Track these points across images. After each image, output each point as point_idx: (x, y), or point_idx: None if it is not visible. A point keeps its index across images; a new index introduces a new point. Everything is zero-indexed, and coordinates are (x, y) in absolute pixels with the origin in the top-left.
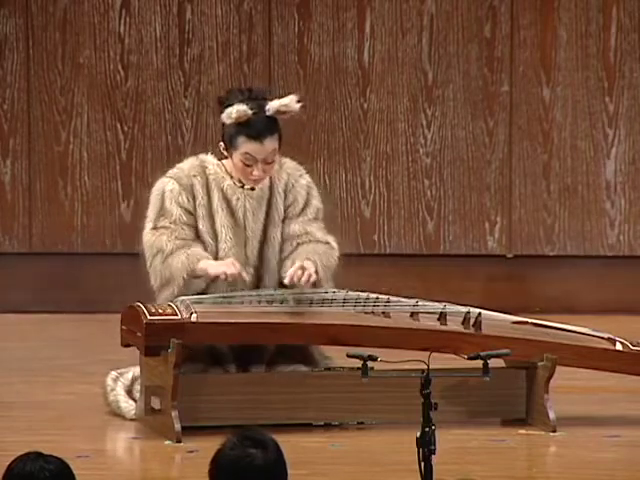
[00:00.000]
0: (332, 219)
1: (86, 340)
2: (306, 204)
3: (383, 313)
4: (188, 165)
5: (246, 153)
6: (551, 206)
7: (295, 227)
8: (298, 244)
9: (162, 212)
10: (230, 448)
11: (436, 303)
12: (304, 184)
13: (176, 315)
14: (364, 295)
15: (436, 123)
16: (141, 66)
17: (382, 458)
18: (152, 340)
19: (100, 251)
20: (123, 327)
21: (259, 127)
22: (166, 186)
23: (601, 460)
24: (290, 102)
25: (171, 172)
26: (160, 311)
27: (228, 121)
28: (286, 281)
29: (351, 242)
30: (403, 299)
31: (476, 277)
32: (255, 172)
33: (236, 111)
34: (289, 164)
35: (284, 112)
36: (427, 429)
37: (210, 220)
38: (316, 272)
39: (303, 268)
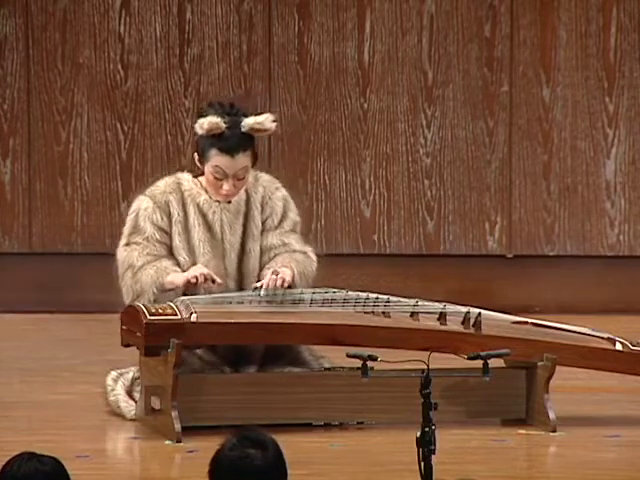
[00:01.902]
0: (332, 219)
1: (86, 340)
2: (283, 217)
3: (383, 313)
4: (164, 183)
5: (216, 166)
6: (551, 206)
7: (273, 239)
8: (276, 254)
9: (135, 229)
10: (229, 448)
11: (436, 303)
12: (280, 196)
13: (176, 315)
14: (364, 295)
15: (436, 123)
16: (141, 66)
17: (382, 458)
18: (152, 340)
19: (100, 251)
20: (123, 327)
21: (232, 142)
22: (141, 204)
23: (601, 460)
24: (265, 120)
25: (147, 190)
26: (160, 311)
27: (200, 131)
28: (262, 292)
29: (351, 242)
30: (403, 299)
31: (476, 277)
32: (225, 186)
33: (208, 122)
34: (265, 177)
35: (258, 130)
36: (427, 429)
37: (187, 235)
38: (292, 278)
39: (276, 273)
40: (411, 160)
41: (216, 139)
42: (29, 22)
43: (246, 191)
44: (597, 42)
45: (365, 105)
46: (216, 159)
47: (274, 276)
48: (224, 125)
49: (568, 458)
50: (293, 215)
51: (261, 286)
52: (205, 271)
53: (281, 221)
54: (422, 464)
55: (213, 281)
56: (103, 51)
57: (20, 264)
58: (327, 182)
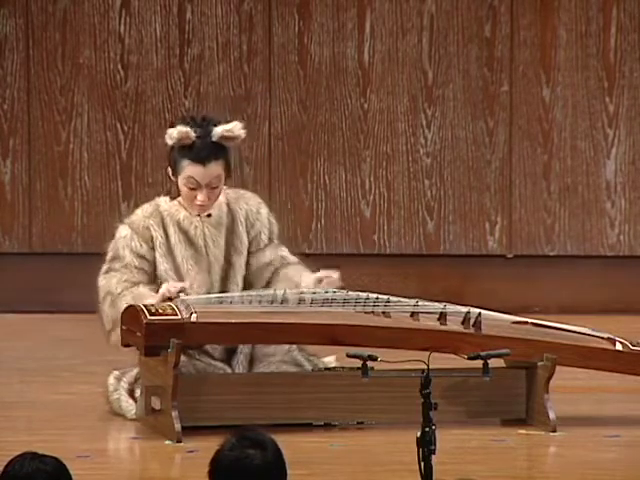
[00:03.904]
0: (332, 219)
1: (86, 340)
2: (271, 234)
3: (383, 313)
4: (141, 210)
5: (189, 177)
6: (551, 206)
7: (270, 255)
8: (276, 269)
9: (115, 257)
10: (229, 449)
11: (436, 303)
12: (266, 214)
13: (176, 315)
14: (364, 295)
15: (436, 123)
16: (141, 66)
17: (382, 458)
18: (152, 340)
19: (100, 251)
20: (123, 327)
21: (203, 151)
22: (120, 232)
23: (601, 460)
24: (234, 128)
25: (127, 219)
26: (160, 311)
27: (170, 142)
28: (310, 285)
29: (351, 242)
30: (403, 299)
31: (476, 277)
32: (199, 197)
33: (177, 131)
34: (247, 194)
35: (228, 138)
36: (427, 429)
37: (171, 256)
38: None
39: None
40: (411, 160)
41: (187, 150)
42: (29, 22)
43: (227, 205)
44: (597, 42)
45: (365, 105)
46: (188, 169)
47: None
48: (194, 135)
49: (568, 458)
50: (276, 230)
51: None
52: (172, 288)
53: (271, 238)
54: (422, 464)
55: (183, 290)
56: (103, 51)
57: (20, 264)
58: (327, 182)
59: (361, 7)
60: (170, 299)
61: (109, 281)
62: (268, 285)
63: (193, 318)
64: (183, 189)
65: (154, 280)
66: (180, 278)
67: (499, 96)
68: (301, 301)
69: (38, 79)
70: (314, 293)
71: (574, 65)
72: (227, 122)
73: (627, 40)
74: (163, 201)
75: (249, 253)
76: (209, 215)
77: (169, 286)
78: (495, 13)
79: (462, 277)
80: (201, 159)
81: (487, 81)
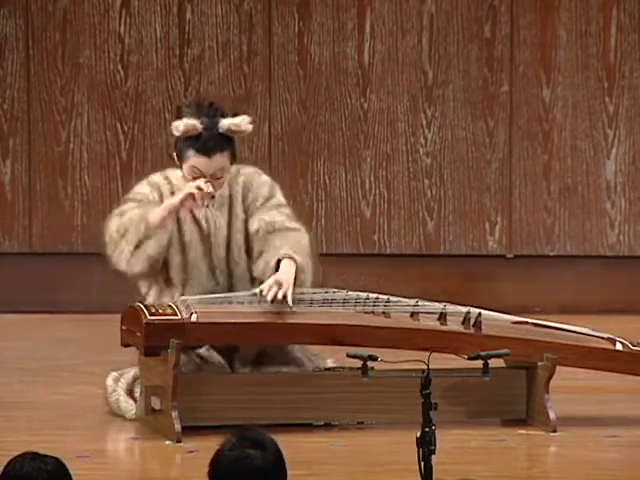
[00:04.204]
0: (332, 219)
1: (86, 340)
2: (267, 199)
3: (383, 313)
4: (156, 176)
5: (194, 167)
6: (551, 206)
7: (254, 225)
8: (263, 242)
9: (128, 199)
10: (229, 449)
11: (436, 303)
12: (265, 180)
13: (176, 315)
14: (364, 295)
15: (436, 123)
16: (141, 66)
17: (382, 458)
18: (152, 340)
19: (100, 251)
20: (123, 327)
21: (209, 143)
22: (137, 187)
23: (601, 460)
24: (241, 122)
25: (144, 179)
26: (160, 311)
27: (176, 133)
28: (268, 297)
29: (351, 242)
30: (403, 299)
31: (476, 277)
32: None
33: (184, 124)
34: (248, 169)
35: (235, 131)
36: (427, 429)
37: (176, 226)
38: (295, 275)
39: (279, 284)
40: (411, 160)
41: (193, 140)
42: (29, 22)
43: (228, 185)
44: (597, 42)
45: (365, 105)
46: (193, 160)
47: (275, 288)
48: (200, 127)
49: (568, 458)
50: (279, 197)
51: (261, 292)
52: (201, 184)
53: (264, 203)
54: (422, 464)
55: (210, 196)
56: (103, 51)
57: (20, 264)
58: (327, 182)
59: (361, 7)
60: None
61: (120, 208)
62: (260, 256)
63: (193, 318)
64: (187, 177)
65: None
66: (183, 252)
67: (499, 96)
68: (301, 301)
69: (38, 79)
70: (314, 293)
71: (574, 65)
72: (234, 115)
73: (627, 40)
74: (174, 176)
75: (246, 222)
76: (212, 197)
77: (195, 185)
78: (495, 13)
79: (462, 277)
80: (206, 151)
81: (487, 81)
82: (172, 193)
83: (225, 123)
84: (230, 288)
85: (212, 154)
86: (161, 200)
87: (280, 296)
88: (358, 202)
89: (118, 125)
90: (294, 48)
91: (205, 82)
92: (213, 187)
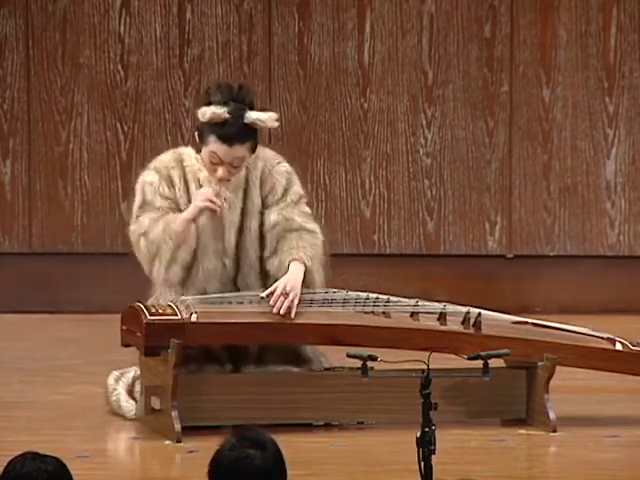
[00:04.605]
0: (332, 219)
1: (86, 340)
2: (286, 190)
3: (383, 313)
4: (167, 157)
5: (213, 152)
6: (551, 206)
7: (273, 216)
8: (279, 238)
9: (144, 203)
10: (229, 449)
11: (436, 303)
12: (283, 171)
13: (176, 315)
14: (364, 295)
15: (436, 123)
16: (141, 66)
17: (382, 458)
18: (152, 340)
19: (100, 251)
20: (123, 327)
21: (232, 132)
22: (146, 178)
23: (601, 460)
24: (268, 119)
25: (151, 164)
26: (160, 311)
27: (202, 119)
28: (274, 310)
29: (351, 242)
30: (403, 299)
31: (476, 277)
32: (219, 172)
33: (211, 113)
34: (266, 153)
35: (260, 126)
36: (427, 429)
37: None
38: (303, 281)
39: (285, 294)
40: (411, 160)
41: (217, 126)
42: (29, 22)
43: (246, 167)
44: (597, 42)
45: (365, 105)
46: (214, 145)
47: (282, 299)
48: (227, 115)
49: (568, 458)
50: (297, 188)
51: (268, 297)
52: (211, 196)
53: (284, 195)
54: (422, 464)
55: (220, 200)
56: (103, 51)
57: (20, 264)
58: (327, 182)
59: (361, 7)
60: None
61: (141, 224)
62: (275, 253)
63: (193, 318)
64: (206, 160)
65: None
66: (194, 234)
67: (499, 96)
68: (301, 301)
69: (38, 79)
70: (314, 293)
71: (574, 65)
72: (262, 109)
73: (627, 40)
74: (187, 155)
75: (263, 211)
76: (228, 180)
77: (203, 198)
78: (495, 13)
79: (462, 277)
80: (228, 139)
81: (487, 81)
82: (184, 176)
83: (252, 116)
84: (237, 274)
85: (233, 143)
86: (173, 188)
87: (284, 310)
88: (358, 202)
89: (118, 125)
90: (294, 48)
91: (205, 82)
92: (229, 173)
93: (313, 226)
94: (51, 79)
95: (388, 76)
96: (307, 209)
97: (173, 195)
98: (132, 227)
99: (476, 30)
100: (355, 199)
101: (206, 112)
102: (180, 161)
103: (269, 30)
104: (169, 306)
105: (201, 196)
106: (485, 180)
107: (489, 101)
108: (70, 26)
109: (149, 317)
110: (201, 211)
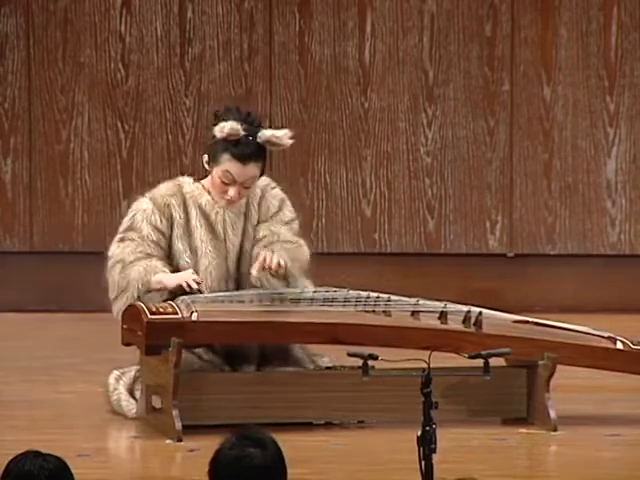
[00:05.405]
0: (333, 218)
1: (87, 339)
2: (277, 212)
3: (384, 312)
4: (165, 186)
5: (227, 171)
6: (552, 205)
7: (261, 232)
8: (265, 245)
9: (132, 227)
10: (229, 448)
11: (437, 302)
12: (276, 194)
13: (177, 314)
14: (364, 294)
15: (437, 122)
16: (142, 65)
17: (383, 457)
18: (153, 339)
19: (101, 250)
20: (124, 326)
21: (246, 150)
22: (141, 205)
23: (602, 459)
24: (283, 136)
25: (148, 193)
26: (161, 310)
27: (219, 135)
28: (254, 271)
29: (352, 241)
30: (404, 298)
31: (477, 276)
32: (230, 192)
33: (230, 127)
34: (262, 181)
35: (274, 144)
36: (428, 428)
37: (188, 238)
38: (285, 264)
39: (270, 254)
40: (412, 159)
41: (231, 144)
42: (30, 21)
43: None
44: (598, 41)
45: (366, 104)
46: (227, 164)
47: (267, 253)
48: (243, 132)
49: (569, 457)
50: (289, 212)
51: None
52: (198, 279)
53: (274, 215)
54: (423, 463)
55: (199, 291)
56: (104, 50)
57: (21, 263)
58: (328, 181)
59: (362, 6)
60: (181, 291)
61: (123, 249)
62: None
63: (194, 317)
64: (217, 181)
65: (168, 257)
66: (196, 260)
67: (500, 95)
68: (301, 300)
69: (39, 78)
70: (315, 292)
71: (575, 64)
72: (276, 128)
73: (628, 39)
74: (187, 183)
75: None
76: (237, 201)
77: (189, 277)
78: (496, 12)
79: (463, 276)
80: (243, 158)
81: (488, 80)
82: (184, 203)
83: (267, 134)
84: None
85: (247, 162)
86: (169, 221)
87: (275, 263)
88: (359, 201)
89: (119, 124)
90: (295, 47)
91: (206, 81)
92: (239, 195)
93: (299, 240)
94: (52, 78)
95: (389, 75)
96: (296, 227)
97: (165, 228)
98: (113, 247)
99: (477, 29)
100: (356, 198)
101: (225, 127)
102: (179, 188)
103: (270, 29)
104: (170, 305)
105: (187, 276)
106: (486, 179)
107: (490, 100)
108: (71, 25)
109: (150, 316)
110: (179, 286)
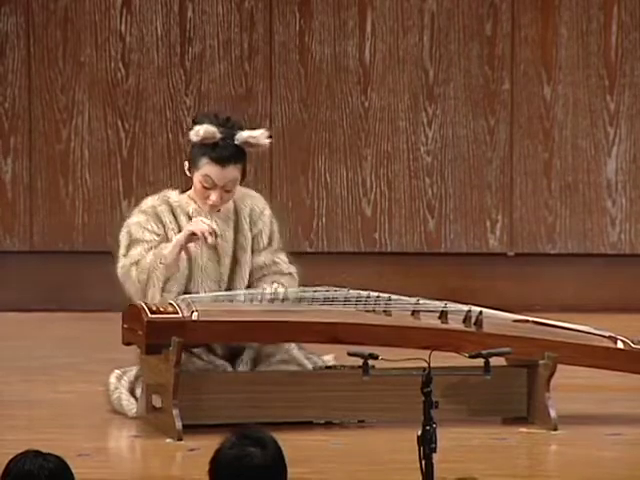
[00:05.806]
0: (333, 217)
1: (87, 339)
2: (271, 237)
3: (384, 311)
4: (151, 199)
5: (206, 175)
6: (552, 204)
7: (263, 258)
8: (264, 275)
9: (132, 241)
10: (229, 447)
11: (437, 301)
12: (268, 215)
13: (177, 313)
14: (365, 294)
15: (437, 121)
16: (142, 64)
17: (383, 456)
18: (153, 338)
19: (101, 249)
20: (124, 325)
21: (224, 153)
22: (132, 220)
23: (602, 458)
24: (260, 136)
25: (135, 209)
26: (161, 309)
27: (194, 138)
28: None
29: (352, 240)
30: (404, 297)
31: (477, 275)
32: (212, 196)
33: (204, 130)
34: (253, 193)
35: (252, 144)
36: (428, 427)
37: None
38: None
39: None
40: (412, 158)
41: (209, 148)
42: (30, 20)
43: (234, 202)
44: (598, 40)
45: (366, 103)
46: (206, 168)
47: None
48: (219, 135)
49: (569, 456)
50: (278, 235)
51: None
52: (206, 226)
53: (270, 241)
54: (423, 462)
55: (214, 235)
56: (104, 49)
57: (21, 263)
58: (328, 180)
59: (362, 5)
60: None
61: (131, 255)
62: (251, 287)
63: (194, 316)
64: (197, 185)
65: None
66: (191, 265)
67: (500, 94)
68: (302, 300)
69: (39, 77)
70: (315, 292)
71: (575, 63)
72: (253, 128)
73: (628, 38)
74: (172, 194)
75: (252, 252)
76: (218, 210)
77: (204, 228)
78: (496, 11)
79: (463, 275)
80: (221, 160)
81: (488, 79)
82: (172, 212)
83: (243, 135)
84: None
85: (226, 164)
86: (162, 225)
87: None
88: (359, 200)
89: (119, 123)
90: (295, 46)
91: (206, 80)
92: (221, 199)
93: (293, 270)
94: (52, 77)
95: (389, 74)
96: (284, 256)
97: (162, 231)
98: (120, 264)
99: (477, 28)
100: (356, 197)
101: (200, 129)
102: (166, 199)
103: (270, 28)
104: (170, 304)
105: (196, 224)
106: (486, 178)
107: (490, 99)
108: (71, 24)
109: (150, 315)
110: (191, 236)
